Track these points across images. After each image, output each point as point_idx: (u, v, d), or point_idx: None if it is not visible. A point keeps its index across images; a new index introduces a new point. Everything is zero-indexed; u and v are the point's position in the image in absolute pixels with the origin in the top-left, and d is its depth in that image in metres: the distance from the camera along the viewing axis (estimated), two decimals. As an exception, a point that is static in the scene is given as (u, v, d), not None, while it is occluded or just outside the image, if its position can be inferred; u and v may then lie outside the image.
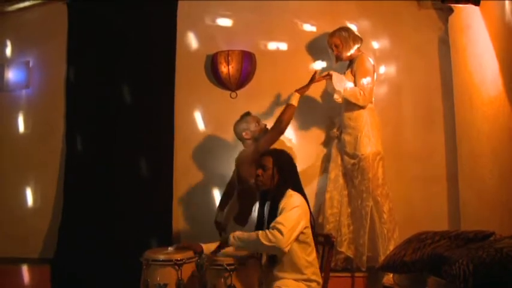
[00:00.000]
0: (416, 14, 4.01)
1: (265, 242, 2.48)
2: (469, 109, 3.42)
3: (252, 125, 3.47)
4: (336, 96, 3.66)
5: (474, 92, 3.31)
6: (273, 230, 2.50)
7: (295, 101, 3.46)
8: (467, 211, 3.54)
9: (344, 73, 3.71)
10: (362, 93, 3.54)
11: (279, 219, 2.53)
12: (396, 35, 4.05)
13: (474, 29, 3.26)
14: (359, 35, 3.77)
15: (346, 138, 3.66)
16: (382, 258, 3.38)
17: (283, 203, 2.62)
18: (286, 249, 2.52)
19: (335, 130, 3.81)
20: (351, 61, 3.73)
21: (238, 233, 2.63)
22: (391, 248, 3.34)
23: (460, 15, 3.54)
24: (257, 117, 3.55)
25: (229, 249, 2.73)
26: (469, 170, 3.50)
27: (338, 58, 3.74)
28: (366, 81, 3.56)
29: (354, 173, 3.62)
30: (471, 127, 3.39)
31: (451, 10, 3.70)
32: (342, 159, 3.74)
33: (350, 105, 3.63)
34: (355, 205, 3.66)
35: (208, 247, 2.79)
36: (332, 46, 3.73)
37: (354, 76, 3.64)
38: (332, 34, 3.75)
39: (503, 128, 2.92)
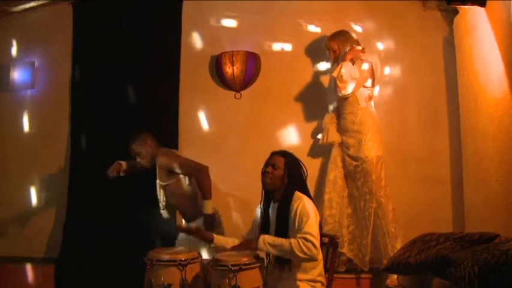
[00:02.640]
0: (421, 15, 4.00)
1: (300, 254, 2.52)
2: (474, 110, 3.41)
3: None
4: (336, 74, 3.60)
5: (479, 94, 3.29)
6: (306, 241, 2.51)
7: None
8: (472, 213, 3.53)
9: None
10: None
11: (308, 229, 2.54)
12: (401, 36, 4.04)
13: (480, 30, 3.25)
14: (358, 40, 3.78)
15: (350, 141, 3.67)
16: (391, 255, 3.39)
17: (299, 208, 2.62)
18: (317, 258, 2.59)
19: (324, 139, 3.80)
20: None
21: (268, 239, 2.62)
22: (399, 246, 3.35)
23: (465, 17, 3.53)
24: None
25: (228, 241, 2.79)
26: (474, 172, 3.48)
27: (334, 61, 3.80)
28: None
29: (357, 174, 3.63)
30: (476, 129, 3.38)
31: (456, 11, 3.69)
32: (343, 161, 3.74)
33: (354, 109, 3.65)
34: (357, 206, 3.66)
35: (220, 239, 2.82)
36: (329, 50, 3.77)
37: None
38: (331, 38, 3.78)
39: (508, 129, 2.91)
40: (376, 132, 3.63)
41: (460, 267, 2.02)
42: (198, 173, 3.43)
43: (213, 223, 3.41)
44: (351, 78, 3.58)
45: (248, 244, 2.69)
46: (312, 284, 2.66)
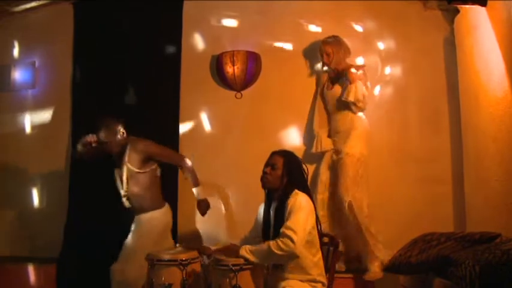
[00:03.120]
0: (421, 15, 3.99)
1: (278, 252, 2.50)
2: (475, 110, 3.41)
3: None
4: (348, 97, 3.59)
5: (480, 93, 3.29)
6: (283, 237, 2.50)
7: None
8: (473, 213, 3.53)
9: (332, 84, 3.76)
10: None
11: (288, 223, 2.53)
12: (402, 36, 4.03)
13: (481, 29, 3.25)
14: (349, 48, 3.79)
15: (339, 140, 3.71)
16: (373, 252, 3.45)
17: (290, 203, 2.62)
18: (299, 254, 2.54)
19: (318, 148, 3.81)
20: (339, 73, 3.72)
21: (248, 247, 2.61)
22: (380, 244, 3.42)
23: (466, 16, 3.53)
24: None
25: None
26: (475, 172, 3.48)
27: (326, 65, 3.81)
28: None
29: (337, 168, 3.65)
30: (477, 128, 3.38)
31: (457, 11, 3.69)
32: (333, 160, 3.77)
33: (343, 113, 3.67)
34: (339, 201, 3.63)
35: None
36: (323, 53, 3.77)
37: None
38: (325, 42, 3.79)
39: (509, 129, 2.91)
40: (363, 132, 3.66)
41: (461, 267, 2.02)
42: (182, 162, 3.45)
43: (206, 208, 3.43)
44: (363, 96, 3.58)
45: (228, 250, 2.67)
46: (313, 284, 2.66)
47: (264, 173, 2.77)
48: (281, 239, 2.50)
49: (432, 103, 3.98)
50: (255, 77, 4.07)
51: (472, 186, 3.56)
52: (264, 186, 2.80)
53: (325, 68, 3.85)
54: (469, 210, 3.60)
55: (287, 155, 2.81)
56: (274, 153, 2.84)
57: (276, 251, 2.50)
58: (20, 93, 4.34)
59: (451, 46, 3.87)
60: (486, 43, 3.17)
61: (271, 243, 2.53)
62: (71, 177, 4.13)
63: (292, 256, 2.55)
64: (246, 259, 2.56)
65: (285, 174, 2.73)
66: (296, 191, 2.68)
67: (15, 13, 4.32)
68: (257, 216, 2.95)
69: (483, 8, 3.05)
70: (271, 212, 2.79)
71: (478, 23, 3.28)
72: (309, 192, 2.77)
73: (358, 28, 4.05)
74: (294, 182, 2.73)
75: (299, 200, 2.61)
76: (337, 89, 3.72)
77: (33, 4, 4.26)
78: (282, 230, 2.53)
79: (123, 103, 4.08)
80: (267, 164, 2.80)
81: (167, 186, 3.95)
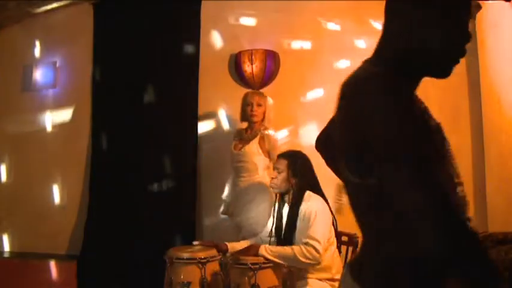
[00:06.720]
0: (442, 12, 3.93)
1: (302, 259, 2.52)
2: (497, 110, 3.35)
3: None
4: None
5: (503, 92, 3.23)
6: (307, 246, 2.51)
7: None
8: (496, 213, 3.47)
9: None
10: None
11: (310, 233, 2.54)
12: (422, 34, 3.98)
13: (504, 26, 3.19)
14: None
15: None
16: None
17: (304, 209, 2.61)
18: (322, 261, 2.57)
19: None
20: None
21: (268, 247, 2.61)
22: None
23: (488, 12, 3.46)
24: None
25: None
26: (497, 173, 3.42)
27: (249, 118, 3.46)
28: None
29: None
30: (500, 128, 3.32)
31: (479, 7, 3.62)
32: None
33: None
34: None
35: (234, 246, 2.82)
36: (254, 104, 3.39)
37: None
38: (259, 93, 3.56)
39: (533, 128, 2.85)
40: None
41: (484, 268, 1.99)
42: None
43: None
44: None
45: (248, 250, 2.64)
46: (332, 282, 2.65)
47: (271, 177, 2.78)
48: (306, 247, 2.51)
49: (452, 102, 3.92)
50: (273, 75, 4.06)
51: (494, 187, 3.50)
52: (273, 192, 2.82)
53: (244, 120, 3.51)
54: (491, 211, 3.53)
55: (291, 156, 2.77)
56: (278, 156, 2.83)
57: (301, 258, 2.52)
58: (42, 93, 4.40)
59: (472, 43, 3.74)
60: (510, 40, 3.11)
61: (296, 249, 2.53)
62: (91, 175, 4.18)
63: (315, 265, 2.56)
64: (266, 258, 2.56)
65: (292, 176, 2.71)
66: (308, 193, 2.67)
67: (36, 14, 4.38)
68: (270, 219, 2.95)
69: (507, 4, 3.00)
70: (284, 214, 2.79)
71: (501, 20, 3.22)
72: (321, 191, 2.74)
73: (377, 26, 4.00)
74: (304, 182, 2.71)
75: (313, 207, 2.60)
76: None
77: (54, 5, 4.31)
78: (306, 240, 2.53)
79: (142, 102, 4.11)
80: (274, 168, 2.81)
81: (186, 185, 4.00)
